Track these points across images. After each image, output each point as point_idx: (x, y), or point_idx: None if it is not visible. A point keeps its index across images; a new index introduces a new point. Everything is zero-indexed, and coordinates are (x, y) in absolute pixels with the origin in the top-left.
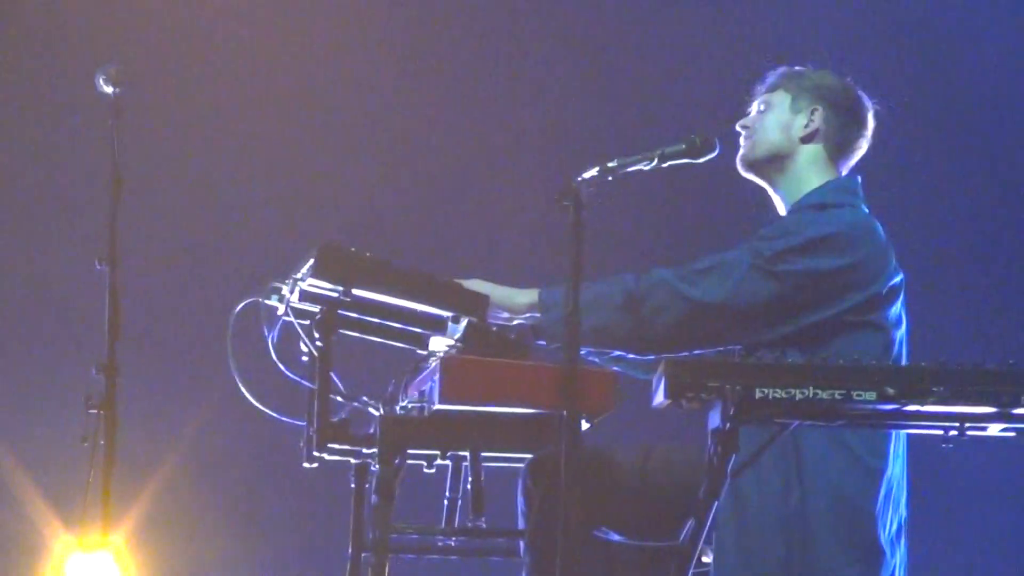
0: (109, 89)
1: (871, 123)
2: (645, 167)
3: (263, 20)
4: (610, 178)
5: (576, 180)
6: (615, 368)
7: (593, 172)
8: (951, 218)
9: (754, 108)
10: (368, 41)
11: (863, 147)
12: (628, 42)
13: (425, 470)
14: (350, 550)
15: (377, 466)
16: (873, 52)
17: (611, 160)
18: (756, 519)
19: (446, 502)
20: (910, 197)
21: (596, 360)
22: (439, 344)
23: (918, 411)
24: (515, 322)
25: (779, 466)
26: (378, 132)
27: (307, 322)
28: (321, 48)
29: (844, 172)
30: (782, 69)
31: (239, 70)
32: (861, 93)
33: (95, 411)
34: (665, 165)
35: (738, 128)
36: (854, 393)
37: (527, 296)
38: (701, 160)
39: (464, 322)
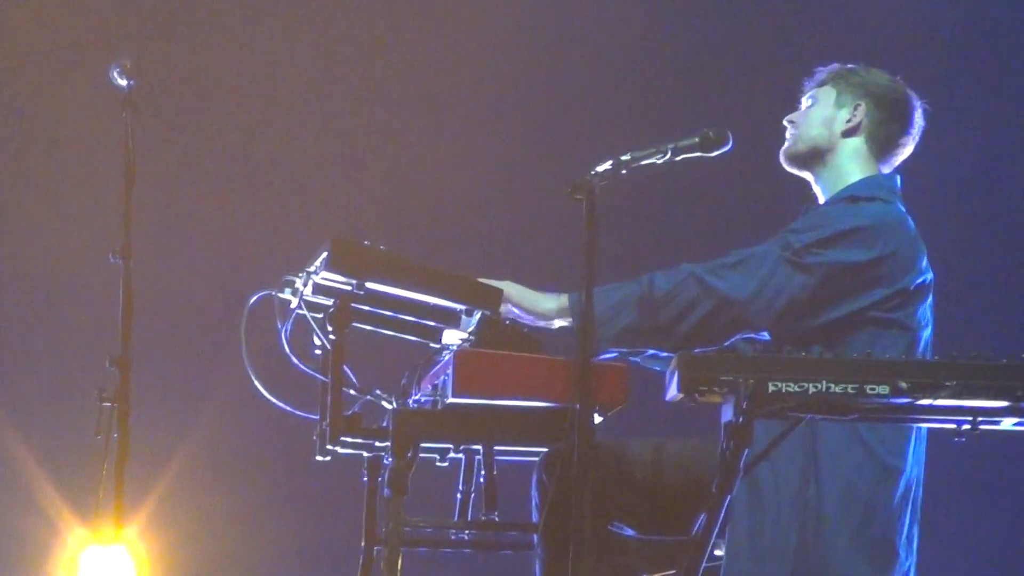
0: (123, 82)
1: (918, 122)
2: (658, 161)
3: (277, 13)
4: (624, 172)
5: (589, 174)
6: (655, 367)
7: (606, 166)
8: (966, 210)
9: (803, 103)
10: (383, 35)
11: (908, 145)
12: (641, 36)
13: (438, 463)
14: (363, 544)
15: (390, 459)
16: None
17: (624, 154)
18: (772, 512)
19: (459, 496)
20: (932, 189)
21: (636, 360)
22: (452, 337)
23: (931, 405)
24: (555, 325)
25: (796, 460)
26: (394, 126)
27: (320, 315)
28: (335, 42)
29: (886, 170)
30: (833, 66)
31: (254, 63)
32: (910, 92)
33: (108, 404)
34: (678, 159)
35: (785, 123)
36: (867, 387)
37: (554, 302)
38: (714, 154)
39: (477, 315)
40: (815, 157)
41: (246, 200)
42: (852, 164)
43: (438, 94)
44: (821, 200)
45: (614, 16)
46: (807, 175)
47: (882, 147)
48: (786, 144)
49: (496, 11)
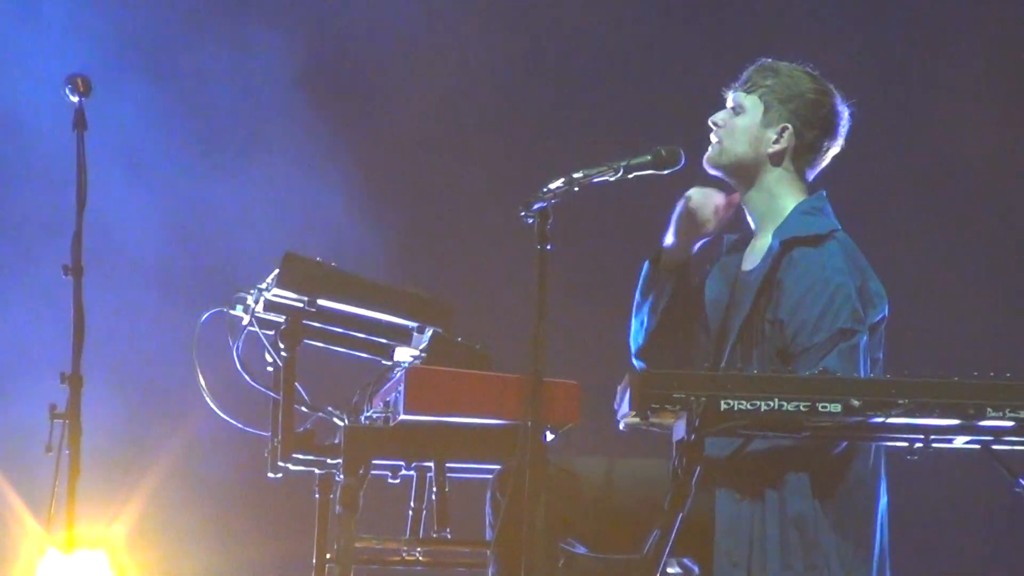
0: (75, 99)
1: (844, 127)
2: (611, 178)
3: (234, 29)
4: (576, 189)
5: (541, 191)
6: None
7: (558, 183)
8: (917, 228)
9: (728, 101)
10: (340, 53)
11: (834, 151)
12: (595, 55)
13: (390, 480)
14: (314, 560)
15: (342, 476)
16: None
17: (576, 171)
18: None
19: (411, 512)
20: (877, 205)
21: None
22: (404, 354)
23: (883, 423)
24: None
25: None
26: (347, 145)
27: (272, 332)
28: (289, 59)
29: (811, 178)
30: (759, 65)
31: (208, 76)
32: (836, 98)
33: (60, 420)
34: (631, 176)
35: (710, 123)
36: (819, 405)
37: None
38: (666, 172)
39: (429, 332)
40: (740, 172)
41: (199, 217)
42: (781, 187)
43: (393, 110)
44: (751, 220)
45: (566, 34)
46: (731, 182)
47: (810, 163)
48: (711, 151)
49: (459, 27)
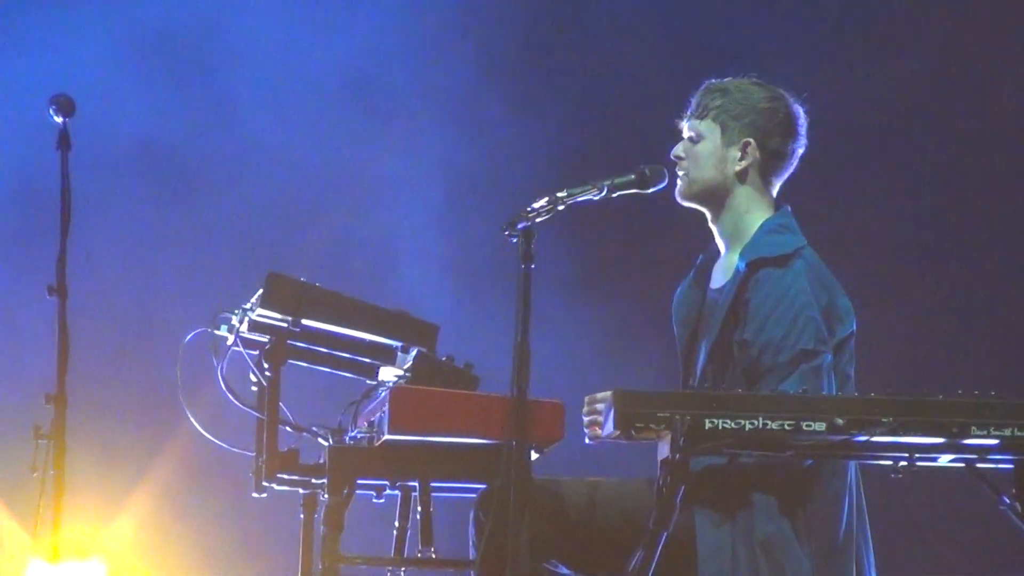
0: (59, 119)
1: (804, 128)
2: (594, 197)
3: (216, 46)
4: (560, 208)
5: (525, 210)
6: None
7: (542, 202)
8: (904, 246)
9: (684, 131)
10: (321, 71)
11: (800, 151)
12: (578, 73)
13: (375, 500)
14: None
15: (326, 496)
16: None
17: (560, 190)
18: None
19: (395, 532)
20: (861, 223)
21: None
22: (388, 374)
23: (868, 441)
24: None
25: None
26: (331, 163)
27: (256, 352)
28: (271, 77)
29: (778, 188)
30: (705, 88)
31: (191, 95)
32: (790, 101)
33: (44, 440)
34: (615, 195)
35: (672, 157)
36: (804, 424)
37: None
38: (650, 191)
39: (413, 352)
40: (711, 198)
41: (183, 236)
42: (750, 204)
43: (376, 128)
44: (719, 239)
45: (552, 53)
46: (703, 209)
47: (778, 168)
48: (680, 185)
49: (447, 35)
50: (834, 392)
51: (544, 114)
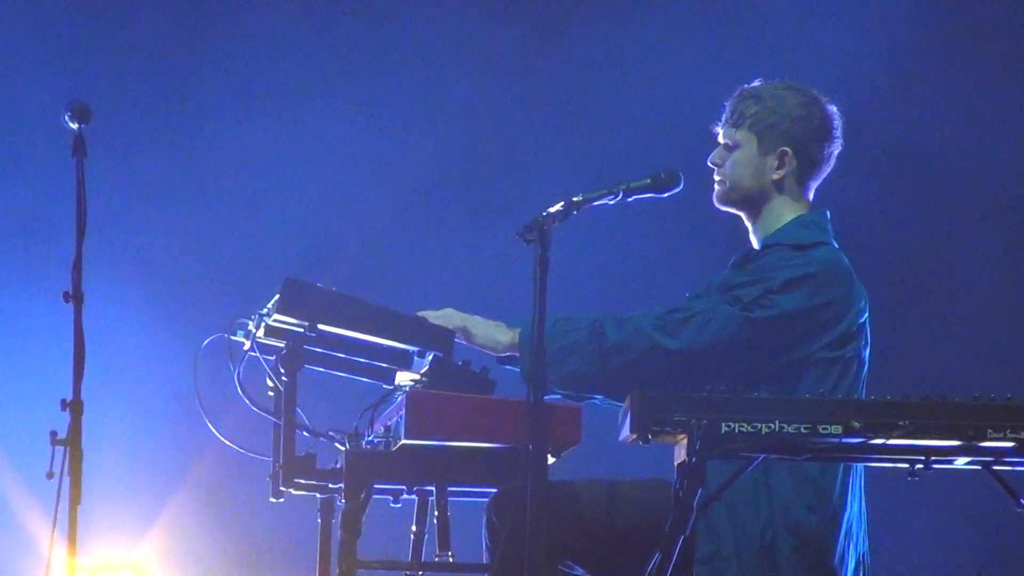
0: (75, 125)
1: (839, 130)
2: (610, 201)
3: (232, 53)
4: (576, 212)
5: (542, 215)
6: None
7: (558, 207)
8: (919, 249)
9: (720, 137)
10: (336, 72)
11: (836, 151)
12: (596, 77)
13: (392, 504)
14: None
15: (343, 501)
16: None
17: (576, 195)
18: (732, 556)
19: (412, 536)
20: (877, 227)
21: (574, 402)
22: (405, 379)
23: (884, 444)
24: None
25: (750, 503)
26: (347, 168)
27: (272, 357)
28: (288, 79)
29: (813, 191)
30: (740, 95)
31: (206, 103)
32: (823, 105)
33: (61, 446)
34: (630, 199)
35: (709, 163)
36: (820, 427)
37: (508, 336)
38: (666, 195)
39: (430, 356)
40: (748, 204)
41: (199, 242)
42: (786, 209)
43: (392, 138)
44: (754, 240)
45: (567, 55)
46: (740, 213)
47: (816, 172)
48: (718, 190)
49: (448, 49)
50: (835, 379)
51: (559, 116)
